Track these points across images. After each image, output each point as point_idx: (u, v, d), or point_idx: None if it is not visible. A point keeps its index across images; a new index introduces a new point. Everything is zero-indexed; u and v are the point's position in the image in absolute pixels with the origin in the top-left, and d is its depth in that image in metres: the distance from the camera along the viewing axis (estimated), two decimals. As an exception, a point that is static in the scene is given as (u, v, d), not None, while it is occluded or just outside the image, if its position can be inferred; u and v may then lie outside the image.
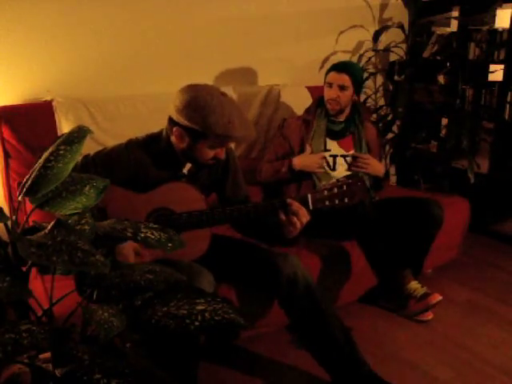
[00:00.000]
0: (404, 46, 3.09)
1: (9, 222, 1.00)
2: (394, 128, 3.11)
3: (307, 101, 2.52)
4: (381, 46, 3.07)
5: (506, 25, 2.94)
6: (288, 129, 2.33)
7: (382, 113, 3.16)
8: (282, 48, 2.78)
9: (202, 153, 1.61)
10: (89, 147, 1.72)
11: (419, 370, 1.84)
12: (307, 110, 2.38)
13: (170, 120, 1.61)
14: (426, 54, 3.13)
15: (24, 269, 1.00)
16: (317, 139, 2.27)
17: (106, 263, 0.90)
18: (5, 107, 1.98)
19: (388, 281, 2.15)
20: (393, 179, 3.31)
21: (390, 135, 3.14)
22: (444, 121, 3.26)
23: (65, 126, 2.03)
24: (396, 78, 3.13)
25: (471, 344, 2.04)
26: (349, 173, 2.31)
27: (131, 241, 1.05)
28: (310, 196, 1.63)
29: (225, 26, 2.55)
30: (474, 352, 1.98)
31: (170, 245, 1.05)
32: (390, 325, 2.17)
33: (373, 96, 3.20)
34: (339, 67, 2.27)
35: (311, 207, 1.63)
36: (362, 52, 3.06)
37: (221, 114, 1.51)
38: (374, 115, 3.11)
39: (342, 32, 2.91)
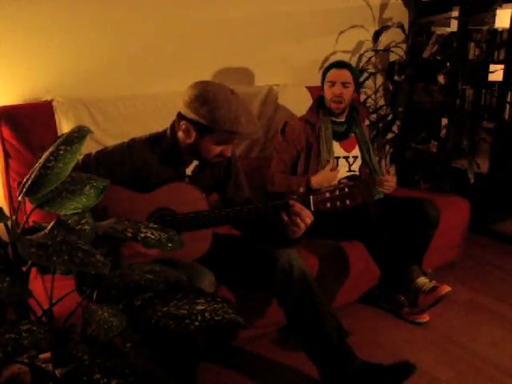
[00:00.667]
0: (404, 46, 3.09)
1: (9, 222, 1.00)
2: (394, 128, 3.11)
3: (307, 101, 2.52)
4: (381, 46, 3.07)
5: (506, 25, 2.94)
6: (292, 133, 2.29)
7: (382, 113, 3.16)
8: (282, 48, 2.78)
9: (208, 149, 1.61)
10: (89, 147, 1.73)
11: (419, 370, 1.83)
12: (309, 111, 2.36)
13: (179, 115, 1.62)
14: (425, 54, 3.13)
15: (24, 269, 1.00)
16: (328, 144, 2.25)
17: (106, 263, 0.90)
18: (5, 107, 1.98)
19: (396, 277, 2.12)
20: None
21: (390, 135, 3.14)
22: (444, 121, 3.27)
23: (65, 126, 2.03)
24: (396, 78, 3.13)
25: (471, 344, 2.04)
26: (349, 174, 2.31)
27: (132, 241, 1.05)
28: (311, 198, 1.64)
29: (225, 26, 2.55)
30: (474, 352, 1.99)
31: (170, 245, 1.05)
32: (389, 325, 2.17)
33: (373, 96, 3.20)
34: (339, 64, 2.27)
35: (313, 209, 1.63)
36: (361, 52, 3.06)
37: (228, 110, 1.51)
38: (374, 115, 3.11)
39: (342, 32, 2.91)
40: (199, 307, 0.99)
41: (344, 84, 2.22)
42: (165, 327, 0.95)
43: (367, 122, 2.90)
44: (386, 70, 3.21)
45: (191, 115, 1.55)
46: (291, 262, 1.65)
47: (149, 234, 1.04)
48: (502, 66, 2.98)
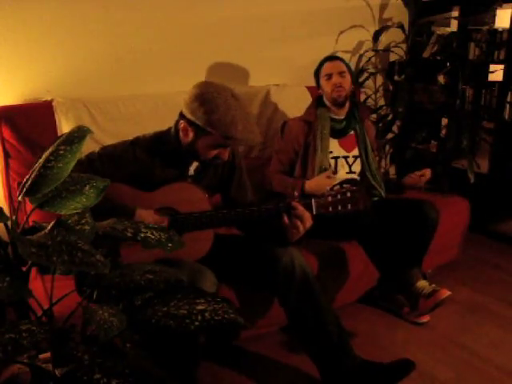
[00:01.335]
0: (404, 46, 3.09)
1: (9, 222, 1.00)
2: (394, 128, 3.11)
3: (307, 101, 2.51)
4: (381, 46, 3.07)
5: (506, 25, 2.94)
6: (290, 133, 2.28)
7: (382, 113, 3.16)
8: (282, 48, 2.78)
9: (204, 150, 1.61)
10: (89, 147, 1.73)
11: (419, 370, 1.83)
12: (307, 111, 2.34)
13: (180, 113, 1.63)
14: (426, 54, 3.13)
15: (24, 269, 1.00)
16: (324, 142, 2.23)
17: (106, 263, 0.90)
18: (5, 107, 1.98)
19: (395, 281, 2.12)
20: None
21: (390, 135, 3.14)
22: (444, 121, 3.27)
23: (65, 126, 2.03)
24: (396, 78, 3.13)
25: (471, 344, 2.04)
26: (349, 176, 2.29)
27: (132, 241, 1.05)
28: (313, 201, 1.64)
29: (225, 26, 2.55)
30: (474, 352, 1.98)
31: (170, 245, 1.05)
32: (389, 325, 2.17)
33: (373, 96, 3.20)
34: (331, 57, 2.31)
35: (315, 212, 1.64)
36: (361, 52, 3.06)
37: (224, 114, 1.51)
38: (374, 115, 3.11)
39: (342, 32, 2.91)
40: (199, 307, 0.99)
41: (341, 74, 2.23)
42: (165, 327, 0.95)
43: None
44: (385, 70, 3.20)
45: (189, 115, 1.55)
46: (293, 260, 1.65)
47: (149, 234, 1.05)
48: (502, 66, 2.98)
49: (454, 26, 3.19)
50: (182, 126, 1.61)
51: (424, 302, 2.08)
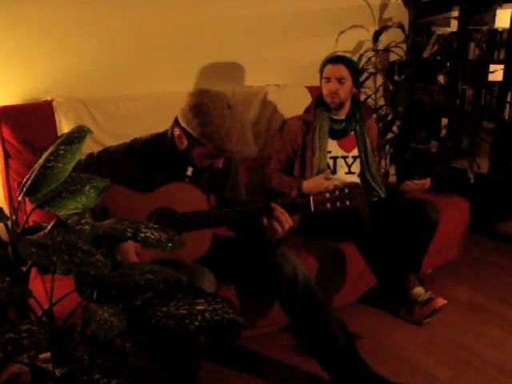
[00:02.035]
0: (404, 46, 3.09)
1: (9, 222, 1.00)
2: (394, 128, 3.11)
3: (307, 101, 2.51)
4: (381, 46, 3.07)
5: (506, 25, 2.94)
6: (288, 132, 2.28)
7: (382, 113, 3.16)
8: (282, 48, 2.78)
9: (198, 159, 1.62)
10: (89, 147, 1.73)
11: (419, 370, 1.84)
12: (307, 110, 2.33)
13: (175, 120, 1.62)
14: (426, 54, 3.13)
15: (24, 269, 1.00)
16: (322, 141, 2.21)
17: (106, 263, 0.90)
18: (5, 107, 1.98)
19: (391, 286, 2.11)
20: (393, 179, 3.31)
21: (390, 135, 3.14)
22: (444, 121, 3.27)
23: (65, 126, 2.03)
24: (396, 78, 3.13)
25: (471, 344, 2.04)
26: (349, 176, 2.27)
27: (131, 241, 1.05)
28: (312, 198, 1.63)
29: (225, 26, 2.55)
30: (474, 352, 1.98)
31: (169, 245, 1.05)
32: (389, 325, 2.17)
33: (373, 96, 3.19)
34: (335, 59, 2.22)
35: (313, 209, 1.63)
36: (361, 52, 3.05)
37: (219, 126, 1.49)
38: (374, 115, 3.11)
39: (342, 32, 2.91)
40: (199, 307, 0.99)
41: (340, 80, 2.16)
42: (165, 327, 0.95)
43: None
44: (385, 69, 3.20)
45: (183, 124, 1.55)
46: (295, 269, 1.65)
47: (149, 234, 1.04)
48: (502, 66, 2.99)
49: (454, 26, 3.19)
50: (176, 133, 1.60)
51: (419, 309, 2.08)
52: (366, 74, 3.02)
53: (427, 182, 2.37)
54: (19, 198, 1.01)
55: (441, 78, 3.23)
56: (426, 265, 2.28)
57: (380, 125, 3.07)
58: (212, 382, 1.80)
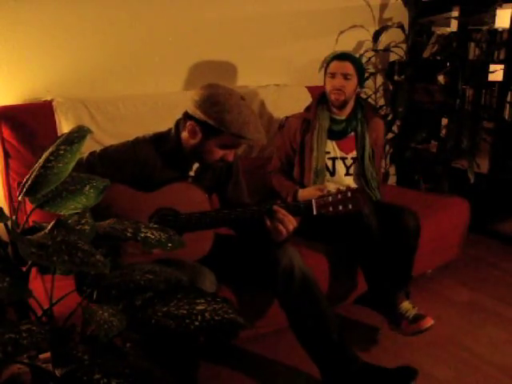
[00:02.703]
0: (404, 46, 3.09)
1: (9, 222, 1.00)
2: (394, 128, 3.11)
3: (307, 101, 2.51)
4: (381, 46, 3.07)
5: (506, 25, 2.94)
6: (288, 130, 2.26)
7: (382, 113, 3.16)
8: (282, 48, 2.78)
9: (211, 151, 1.61)
10: (89, 147, 1.72)
11: (419, 370, 1.83)
12: (307, 108, 2.30)
13: (186, 114, 1.62)
14: (426, 54, 3.13)
15: (24, 269, 1.00)
16: (320, 140, 2.19)
17: (106, 263, 0.90)
18: (5, 107, 1.98)
19: (380, 299, 2.05)
20: (393, 179, 3.32)
21: (389, 135, 3.14)
22: (444, 121, 3.27)
23: (65, 126, 2.03)
24: (396, 77, 3.13)
25: (471, 344, 2.04)
26: (348, 177, 2.24)
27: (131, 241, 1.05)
28: (314, 201, 1.63)
29: (225, 26, 2.55)
30: (474, 352, 1.98)
31: (169, 245, 1.05)
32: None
33: (373, 96, 3.20)
34: (341, 56, 2.17)
35: (315, 212, 1.63)
36: (362, 52, 3.05)
37: (238, 114, 1.52)
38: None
39: (342, 32, 2.91)
40: (199, 307, 0.99)
41: (345, 76, 2.12)
42: (165, 327, 0.95)
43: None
44: (385, 69, 3.21)
45: (200, 115, 1.54)
46: (292, 261, 1.65)
47: (149, 234, 1.04)
48: (502, 66, 2.98)
49: (454, 26, 3.19)
50: (190, 127, 1.60)
51: (407, 325, 1.97)
52: (366, 74, 3.02)
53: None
54: (19, 198, 1.01)
55: (441, 78, 3.23)
56: (426, 265, 2.28)
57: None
58: (212, 382, 1.80)
